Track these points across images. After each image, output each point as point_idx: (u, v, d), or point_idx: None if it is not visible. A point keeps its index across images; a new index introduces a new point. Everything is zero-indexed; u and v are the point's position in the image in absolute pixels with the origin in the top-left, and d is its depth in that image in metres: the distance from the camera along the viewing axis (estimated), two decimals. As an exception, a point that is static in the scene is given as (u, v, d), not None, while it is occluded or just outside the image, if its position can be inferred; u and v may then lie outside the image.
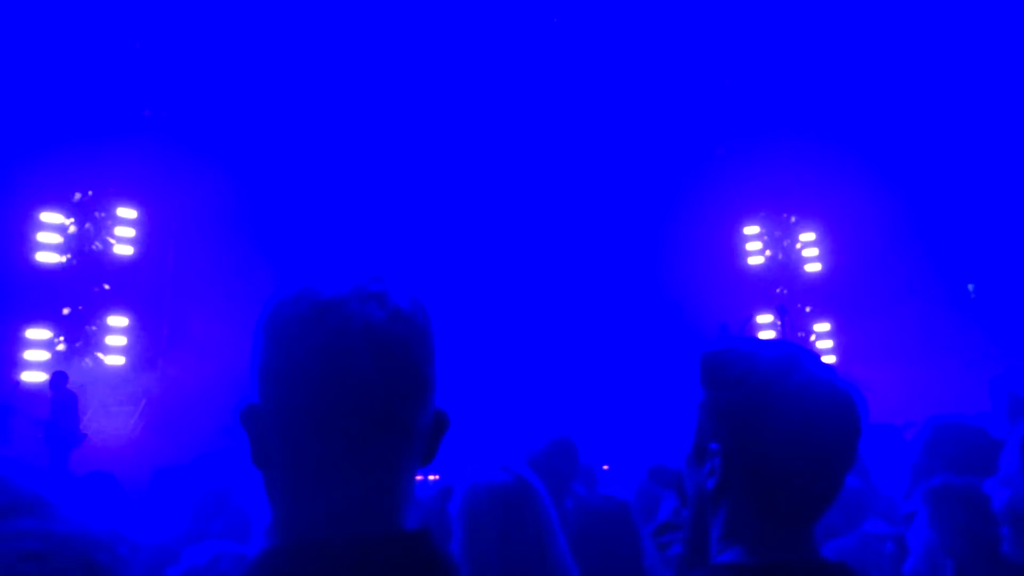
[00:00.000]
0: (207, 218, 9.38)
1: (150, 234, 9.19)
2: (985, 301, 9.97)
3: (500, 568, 1.93)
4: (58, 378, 6.99)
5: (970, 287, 10.06)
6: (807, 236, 10.38)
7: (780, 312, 10.29)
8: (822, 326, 10.21)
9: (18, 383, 7.99)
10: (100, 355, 8.66)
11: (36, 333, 8.25)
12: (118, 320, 8.82)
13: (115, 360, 8.74)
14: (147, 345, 8.95)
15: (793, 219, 10.51)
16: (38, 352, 8.20)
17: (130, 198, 9.06)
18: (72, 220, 8.65)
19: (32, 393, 8.04)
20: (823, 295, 10.27)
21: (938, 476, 1.87)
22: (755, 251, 10.57)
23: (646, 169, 10.22)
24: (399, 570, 0.82)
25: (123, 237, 8.98)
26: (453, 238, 10.40)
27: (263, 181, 9.61)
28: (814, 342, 10.21)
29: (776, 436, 1.13)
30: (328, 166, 9.87)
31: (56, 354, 8.32)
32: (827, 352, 10.15)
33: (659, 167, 10.20)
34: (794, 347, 1.22)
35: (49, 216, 8.48)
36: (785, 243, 10.54)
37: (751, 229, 10.56)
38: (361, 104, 9.65)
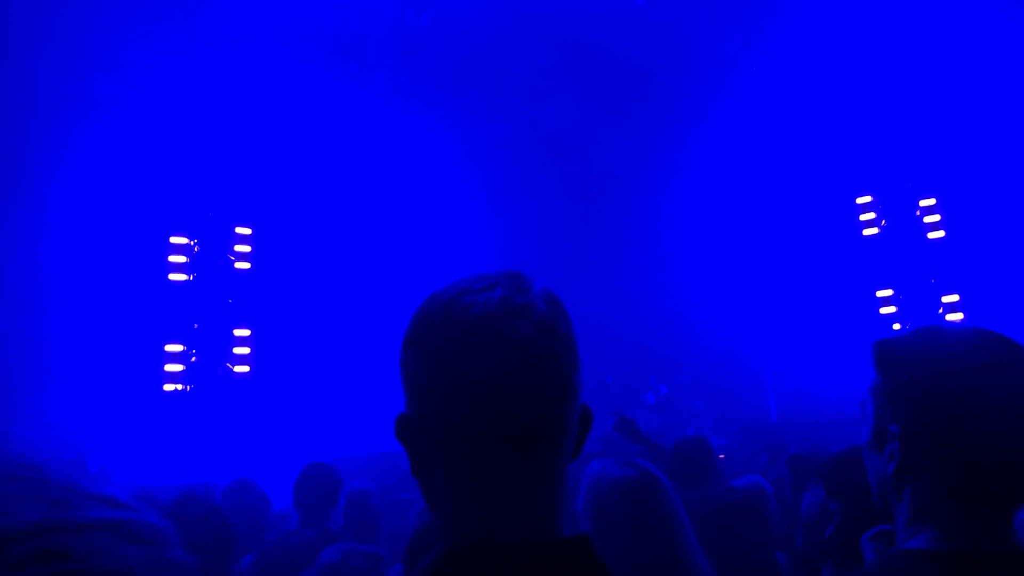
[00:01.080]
0: (314, 230, 9.94)
1: (264, 250, 9.80)
2: None
3: (630, 564, 1.93)
4: None
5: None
6: (927, 201, 9.63)
7: (901, 287, 9.67)
8: (951, 298, 9.46)
9: (162, 394, 8.78)
10: (229, 365, 9.34)
11: (173, 347, 9.01)
12: (242, 332, 9.49)
13: (242, 369, 9.41)
14: (268, 354, 9.58)
15: (911, 184, 9.78)
16: (176, 365, 8.96)
17: (245, 218, 9.71)
18: (196, 241, 9.35)
19: (173, 402, 8.83)
20: (950, 264, 9.51)
21: None
22: (870, 221, 9.93)
23: (766, 135, 9.86)
24: (561, 573, 0.86)
25: (241, 253, 9.63)
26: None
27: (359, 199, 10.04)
28: (942, 316, 9.49)
29: (963, 415, 1.09)
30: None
31: (190, 365, 9.06)
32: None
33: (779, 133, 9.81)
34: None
35: (177, 239, 9.21)
36: (903, 211, 9.83)
37: (864, 199, 9.93)
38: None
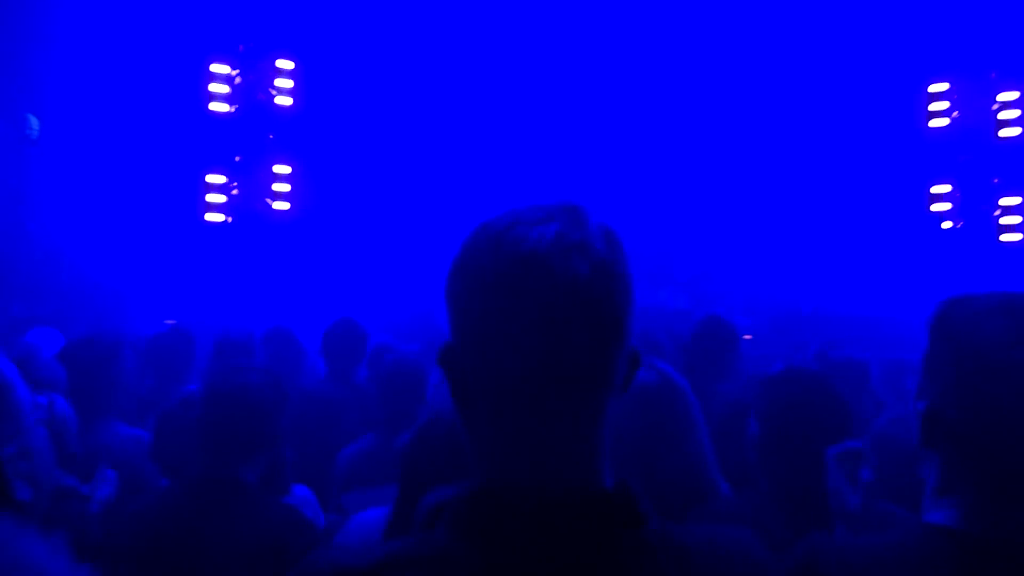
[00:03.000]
0: (360, 70, 9.60)
1: (307, 85, 9.53)
2: None
3: (643, 471, 1.91)
4: None
5: None
6: (1008, 96, 9.03)
7: (961, 183, 9.31)
8: (1011, 201, 9.11)
9: (203, 222, 8.89)
10: (269, 200, 9.37)
11: (214, 178, 9.00)
12: (282, 168, 9.43)
13: (282, 206, 9.45)
14: (309, 192, 9.58)
15: (993, 75, 9.14)
16: (217, 196, 8.99)
17: (288, 51, 9.37)
18: (238, 72, 9.09)
19: (213, 231, 8.96)
20: (1018, 165, 9.07)
21: None
22: (940, 111, 9.39)
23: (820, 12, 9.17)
24: (602, 526, 0.86)
25: (283, 88, 9.38)
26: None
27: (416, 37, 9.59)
28: (998, 218, 9.18)
29: (986, 405, 1.08)
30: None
31: (232, 198, 9.09)
32: (1013, 230, 9.12)
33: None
34: None
35: (218, 67, 8.94)
36: (979, 103, 9.25)
37: (938, 87, 9.33)
38: None
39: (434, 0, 9.44)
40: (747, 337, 7.80)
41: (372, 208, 9.83)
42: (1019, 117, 8.98)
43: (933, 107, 9.36)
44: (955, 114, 9.28)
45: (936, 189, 9.47)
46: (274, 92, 9.33)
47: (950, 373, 1.12)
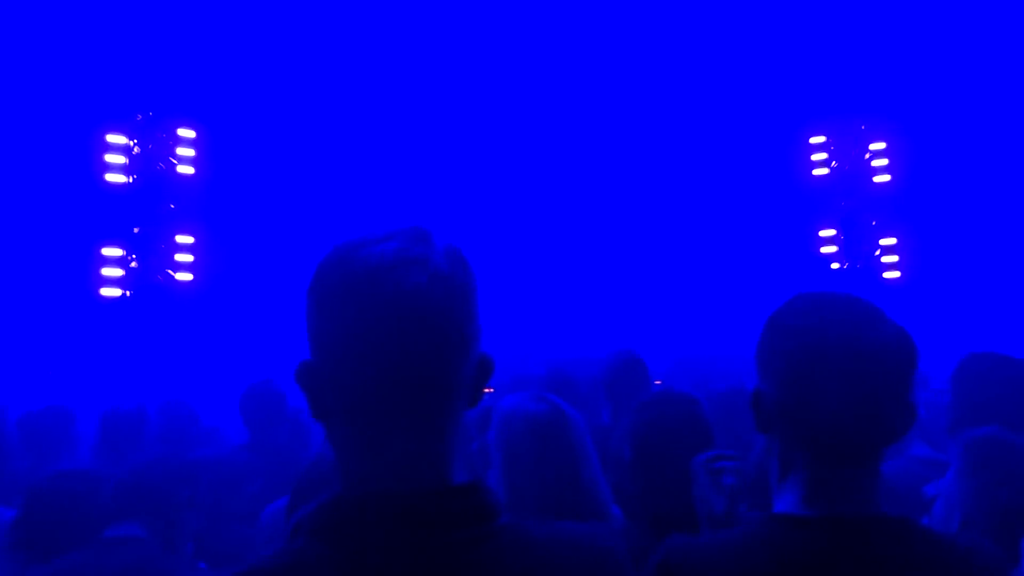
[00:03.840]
0: (263, 137, 9.51)
1: (211, 153, 9.36)
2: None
3: (535, 495, 2.03)
4: None
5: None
6: (877, 145, 9.87)
7: (844, 227, 9.98)
8: (888, 241, 9.85)
9: (98, 298, 8.45)
10: (171, 272, 9.03)
11: (111, 251, 8.62)
12: (185, 238, 9.14)
13: (184, 276, 9.12)
14: (213, 262, 9.29)
15: (863, 127, 9.98)
16: (114, 269, 8.60)
17: (189, 119, 9.20)
18: (135, 141, 8.85)
19: (110, 307, 8.52)
20: (892, 208, 9.85)
21: (983, 427, 1.83)
22: (820, 161, 10.14)
23: (708, 77, 9.78)
24: (450, 521, 0.90)
25: (184, 157, 9.17)
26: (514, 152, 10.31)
27: (320, 102, 9.62)
28: (879, 257, 9.88)
29: (814, 382, 1.14)
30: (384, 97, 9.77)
31: (130, 271, 8.71)
32: (893, 268, 9.83)
33: (723, 75, 9.74)
34: (847, 299, 1.20)
35: (115, 138, 8.68)
36: (853, 153, 10.05)
37: (817, 139, 10.10)
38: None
39: (340, 63, 9.51)
40: (657, 383, 7.98)
41: (282, 277, 9.61)
42: (888, 164, 9.80)
43: (815, 157, 10.09)
44: (834, 163, 10.04)
45: (823, 233, 10.13)
46: (175, 161, 9.11)
47: (772, 358, 1.19)
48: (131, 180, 8.76)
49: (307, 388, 0.94)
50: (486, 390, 0.99)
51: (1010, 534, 1.60)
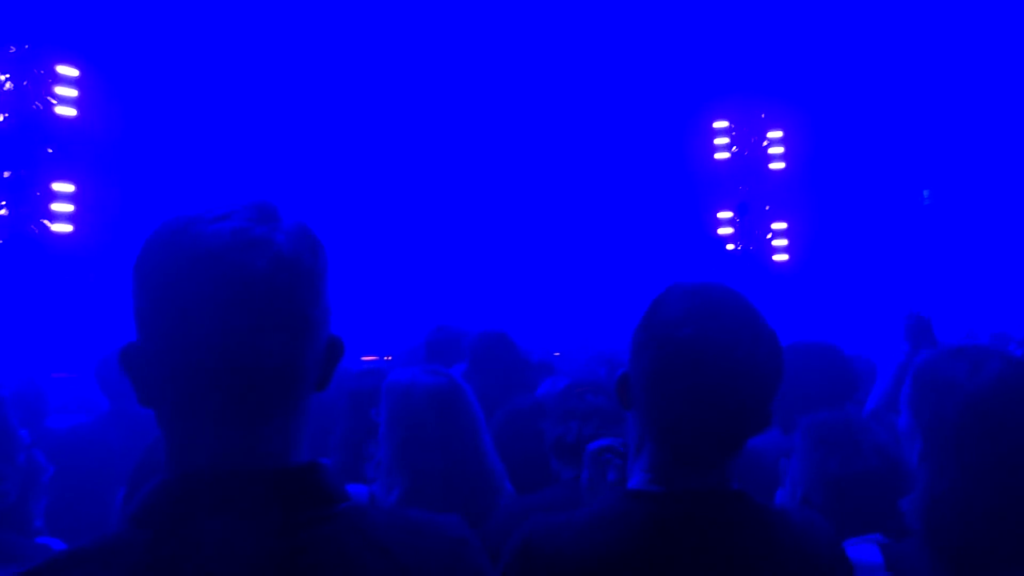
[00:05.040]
0: (156, 81, 8.85)
1: (94, 95, 8.63)
2: (939, 209, 10.25)
3: (441, 471, 2.06)
4: None
5: (925, 193, 10.30)
6: (775, 133, 10.36)
7: (740, 210, 10.43)
8: (779, 225, 10.39)
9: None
10: (46, 222, 8.32)
11: (-25, 196, 7.84)
12: (64, 186, 8.43)
13: (62, 228, 8.42)
14: (95, 214, 8.63)
15: (763, 116, 10.44)
16: (-21, 216, 7.83)
17: (72, 55, 8.44)
18: (7, 76, 8.04)
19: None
20: (785, 194, 10.39)
21: (821, 412, 1.96)
22: (723, 146, 10.54)
23: (619, 68, 9.92)
24: (282, 503, 0.86)
25: (65, 97, 8.42)
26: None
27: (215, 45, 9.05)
28: (770, 240, 10.42)
29: (679, 391, 1.16)
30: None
31: (0, 220, 7.96)
32: (782, 251, 10.39)
33: (632, 65, 9.91)
34: (725, 303, 1.20)
35: (-17, 70, 7.86)
36: (752, 139, 10.51)
37: (720, 124, 10.48)
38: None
39: (247, 5, 8.97)
40: (556, 354, 8.13)
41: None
42: (784, 153, 10.31)
43: (717, 142, 10.47)
44: (734, 149, 10.46)
45: (721, 215, 10.56)
46: (54, 101, 8.34)
47: (636, 344, 1.22)
48: (1, 119, 7.96)
49: (132, 372, 0.89)
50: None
51: (843, 502, 1.73)
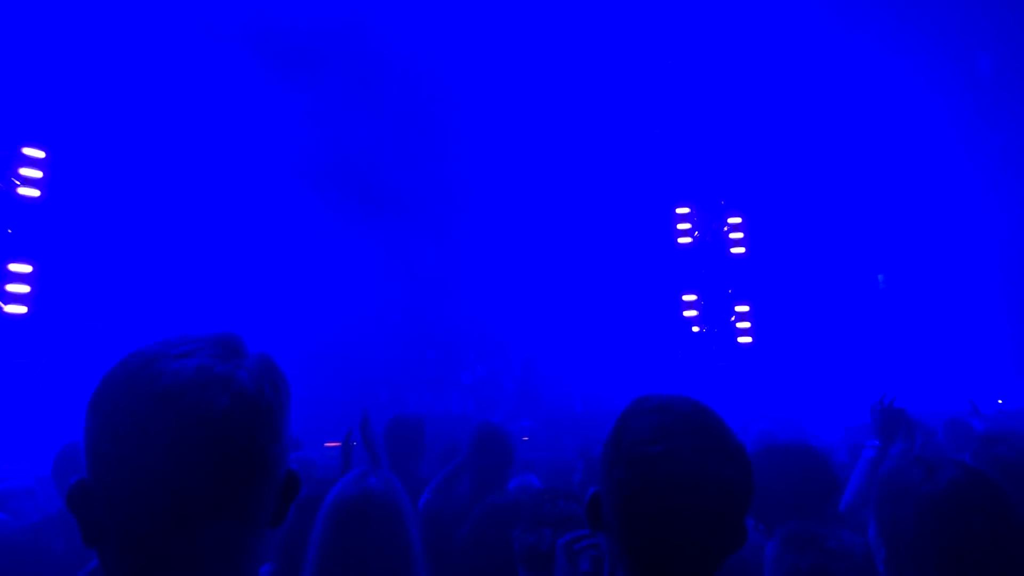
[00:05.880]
0: (118, 166, 8.85)
1: (60, 178, 8.57)
2: (893, 292, 10.58)
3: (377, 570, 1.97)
4: None
5: (880, 278, 10.63)
6: (734, 220, 10.69)
7: (704, 292, 10.63)
8: (742, 308, 10.59)
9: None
10: (0, 303, 8.08)
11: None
12: (21, 267, 8.24)
13: (16, 309, 8.19)
14: (52, 295, 8.42)
15: (723, 202, 10.79)
16: (-70, 298, 7.58)
17: (37, 138, 8.42)
18: (-30, 156, 7.96)
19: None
20: (745, 277, 10.64)
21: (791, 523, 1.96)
22: (685, 231, 10.82)
23: (601, 160, 10.33)
24: None
25: (29, 179, 8.34)
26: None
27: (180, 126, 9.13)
28: (734, 323, 10.59)
29: (623, 489, 1.15)
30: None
31: (-50, 301, 7.71)
32: (745, 333, 10.56)
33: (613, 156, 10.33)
34: (684, 411, 1.20)
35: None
36: (713, 225, 10.82)
37: (683, 210, 10.80)
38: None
39: (201, 93, 9.09)
40: (524, 439, 8.05)
41: (125, 312, 8.83)
42: (743, 238, 10.62)
43: (680, 227, 10.76)
44: (696, 234, 10.74)
45: (686, 297, 10.73)
46: (17, 182, 8.25)
47: (606, 462, 1.20)
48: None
49: (80, 510, 0.85)
50: None
51: None
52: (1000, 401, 7.73)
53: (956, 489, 1.39)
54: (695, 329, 10.72)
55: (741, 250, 10.69)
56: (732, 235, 10.67)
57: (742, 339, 10.56)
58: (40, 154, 8.41)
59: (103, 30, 8.35)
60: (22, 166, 8.27)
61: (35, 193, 8.36)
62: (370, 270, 10.28)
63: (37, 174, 8.37)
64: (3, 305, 8.10)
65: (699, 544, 1.14)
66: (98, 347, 8.41)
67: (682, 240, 10.79)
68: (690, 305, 10.75)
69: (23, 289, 8.22)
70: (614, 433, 1.21)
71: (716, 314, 10.73)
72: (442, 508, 3.21)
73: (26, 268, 8.25)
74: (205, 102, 9.17)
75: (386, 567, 1.98)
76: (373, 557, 1.99)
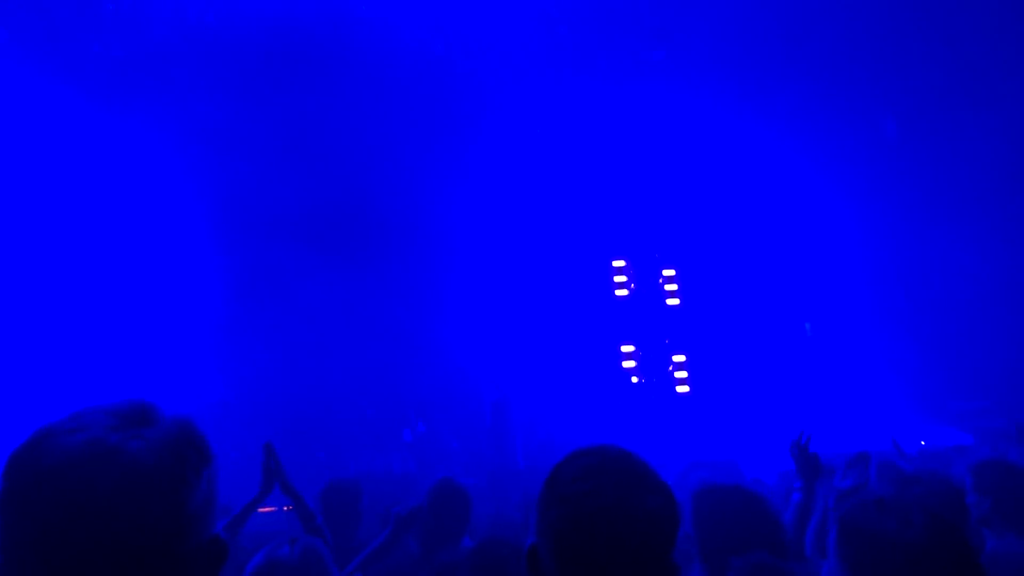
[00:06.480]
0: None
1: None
2: (819, 338, 11.01)
3: None
4: None
5: (807, 326, 11.05)
6: (668, 272, 10.99)
7: (641, 343, 10.82)
8: (679, 358, 10.81)
9: None
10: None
11: None
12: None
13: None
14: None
15: (657, 255, 11.12)
16: None
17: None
18: None
19: None
20: (680, 328, 10.91)
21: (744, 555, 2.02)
22: (622, 283, 11.06)
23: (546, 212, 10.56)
24: None
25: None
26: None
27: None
28: (672, 372, 10.79)
29: (582, 545, 1.18)
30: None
31: None
32: (683, 383, 10.76)
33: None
34: (620, 463, 1.26)
35: None
36: (649, 277, 11.10)
37: (619, 262, 11.06)
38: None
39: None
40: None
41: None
42: (678, 290, 10.92)
43: (617, 279, 10.99)
44: (633, 285, 10.99)
45: (624, 348, 10.90)
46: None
47: (547, 516, 1.24)
48: None
49: None
50: None
51: None
52: (923, 443, 8.05)
53: (933, 536, 1.46)
54: (634, 380, 10.87)
55: (676, 301, 10.97)
56: (667, 287, 10.96)
57: (680, 388, 10.75)
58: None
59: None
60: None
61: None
62: (306, 326, 10.12)
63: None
64: None
65: (629, 570, 1.16)
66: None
67: (619, 292, 11.01)
68: (629, 356, 10.91)
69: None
70: (548, 479, 1.26)
71: (654, 364, 10.91)
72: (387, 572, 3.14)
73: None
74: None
75: None
76: None
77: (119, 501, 0.81)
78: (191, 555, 0.87)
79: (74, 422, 0.85)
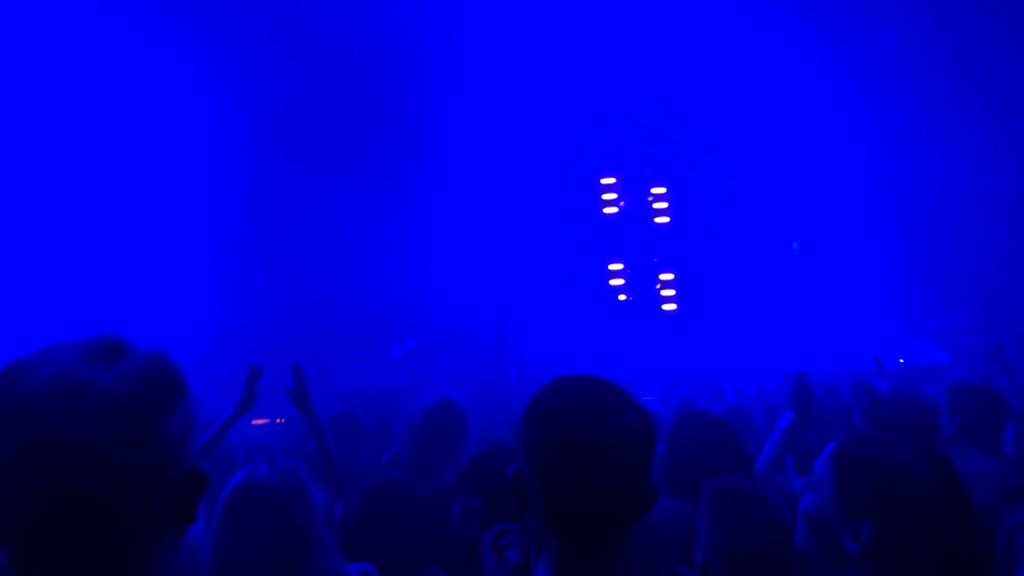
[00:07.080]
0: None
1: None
2: (806, 257, 11.08)
3: (263, 562, 1.97)
4: None
5: (794, 245, 11.09)
6: (658, 190, 10.90)
7: (630, 261, 10.87)
8: (666, 276, 10.87)
9: None
10: None
11: None
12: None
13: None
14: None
15: (647, 172, 10.99)
16: None
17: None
18: None
19: None
20: (670, 246, 10.92)
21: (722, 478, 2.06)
22: (611, 201, 10.98)
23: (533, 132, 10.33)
24: None
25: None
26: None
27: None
28: (659, 290, 10.87)
29: (561, 465, 1.20)
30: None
31: None
32: (669, 300, 10.86)
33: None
34: (595, 386, 1.27)
35: None
36: (638, 195, 11.02)
37: (608, 180, 10.94)
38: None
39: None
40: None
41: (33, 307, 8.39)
42: (667, 208, 10.86)
43: (605, 197, 10.90)
44: (622, 203, 10.92)
45: (612, 267, 10.93)
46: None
47: (527, 441, 1.24)
48: None
49: None
50: None
51: (736, 572, 1.82)
52: (901, 360, 8.24)
53: (939, 470, 1.50)
54: (621, 297, 10.95)
55: (665, 219, 10.93)
56: (656, 205, 10.90)
57: (667, 306, 10.86)
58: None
59: None
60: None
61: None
62: (294, 240, 10.07)
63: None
64: None
65: (611, 497, 1.19)
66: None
67: (608, 210, 10.95)
68: (616, 274, 10.96)
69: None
70: (530, 401, 1.28)
71: (642, 282, 10.98)
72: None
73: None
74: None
75: (271, 558, 1.96)
76: (257, 547, 1.97)
77: (90, 436, 0.79)
78: (168, 488, 0.87)
79: (42, 356, 0.83)
